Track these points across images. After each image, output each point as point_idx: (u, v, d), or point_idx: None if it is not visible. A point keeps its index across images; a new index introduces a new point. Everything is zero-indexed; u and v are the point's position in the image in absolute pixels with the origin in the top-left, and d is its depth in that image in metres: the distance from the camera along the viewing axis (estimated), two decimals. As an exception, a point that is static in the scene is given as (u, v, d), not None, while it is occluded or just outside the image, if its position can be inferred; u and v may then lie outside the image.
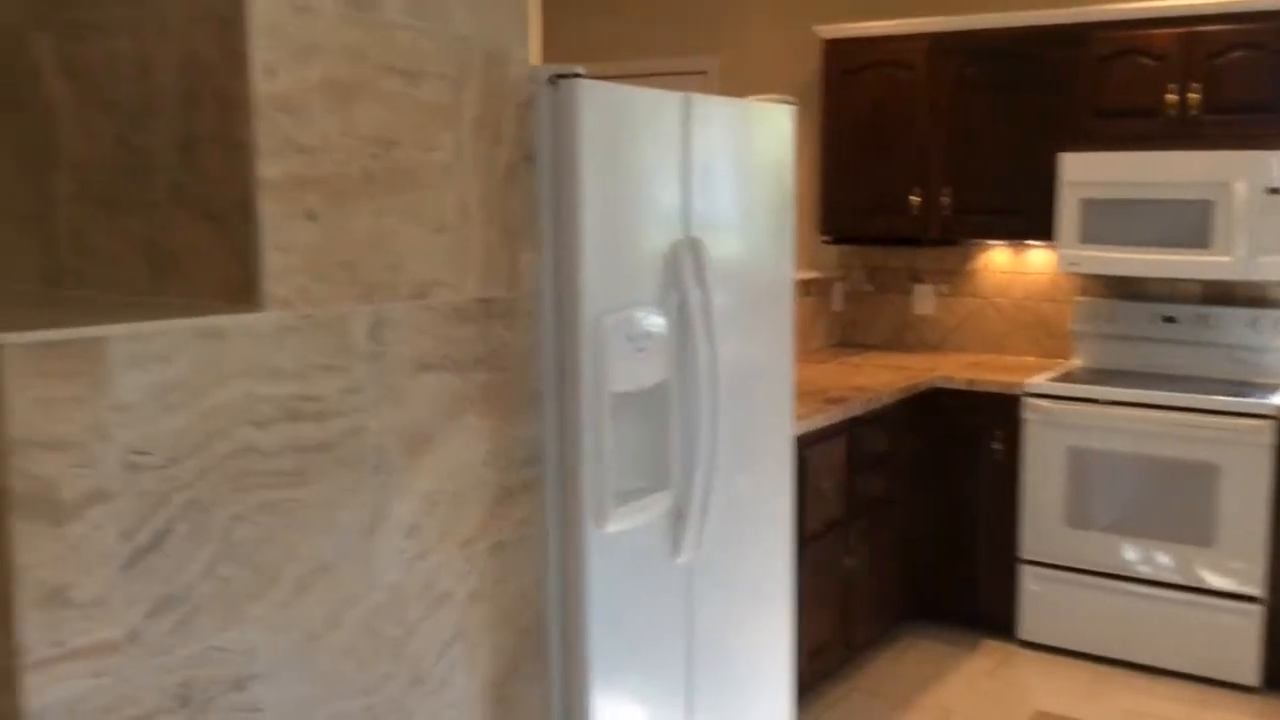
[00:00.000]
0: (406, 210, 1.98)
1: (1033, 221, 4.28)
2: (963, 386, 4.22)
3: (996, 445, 4.17)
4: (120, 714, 1.58)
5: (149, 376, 1.59)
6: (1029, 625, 4.17)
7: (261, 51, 1.70)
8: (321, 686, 1.87)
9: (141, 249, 1.86)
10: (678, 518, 2.55)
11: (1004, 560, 4.20)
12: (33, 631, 1.48)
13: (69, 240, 1.94)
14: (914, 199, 4.52)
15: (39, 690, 1.49)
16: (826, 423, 3.58)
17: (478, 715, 2.19)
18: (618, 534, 2.38)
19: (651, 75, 5.20)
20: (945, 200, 4.46)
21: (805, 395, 3.72)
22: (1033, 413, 4.08)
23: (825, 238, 4.81)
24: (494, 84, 2.14)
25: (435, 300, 2.04)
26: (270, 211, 1.74)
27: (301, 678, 1.84)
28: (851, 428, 3.76)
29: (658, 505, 2.50)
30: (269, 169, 1.73)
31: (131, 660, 1.59)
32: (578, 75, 2.21)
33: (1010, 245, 4.68)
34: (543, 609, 2.34)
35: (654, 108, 2.44)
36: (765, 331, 2.88)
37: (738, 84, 5.01)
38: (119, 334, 1.55)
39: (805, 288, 4.76)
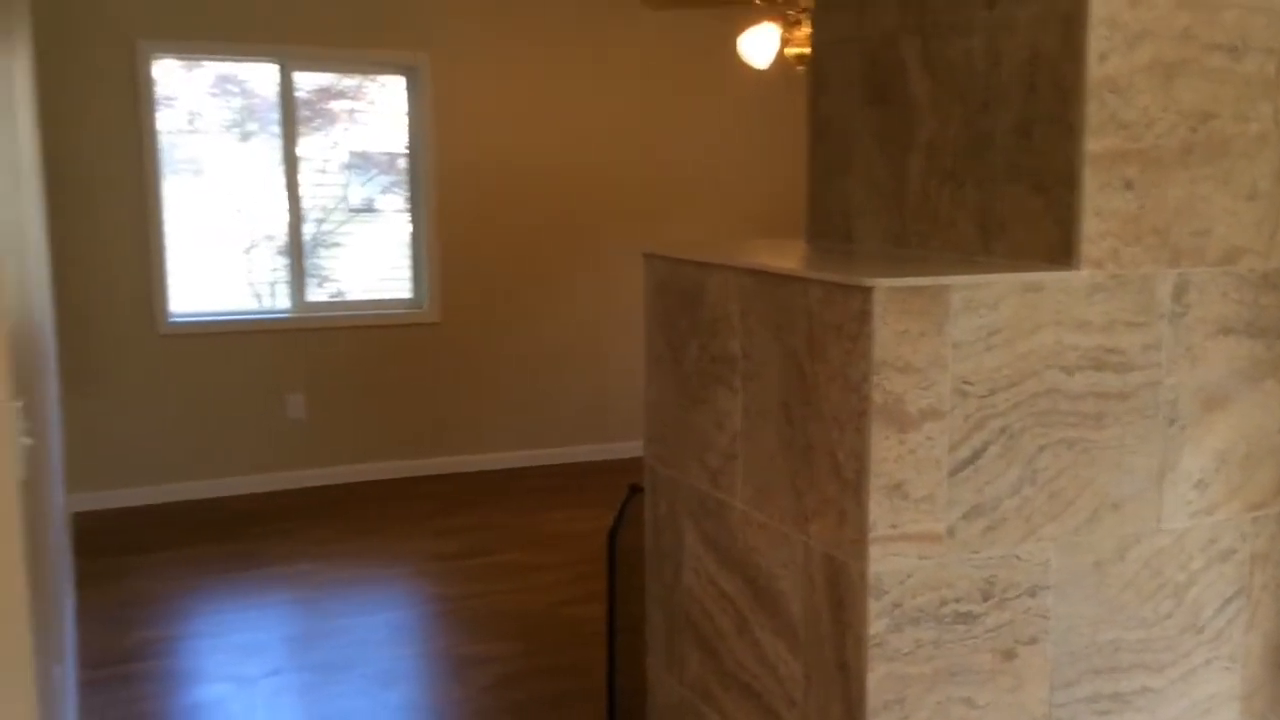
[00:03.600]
0: (1219, 179, 2.08)
1: None
2: None
3: None
4: (938, 593, 1.95)
5: (978, 320, 1.92)
6: None
7: (1098, 41, 1.93)
8: (1104, 610, 2.09)
9: (974, 216, 2.20)
10: None
11: None
12: (878, 513, 1.90)
13: (916, 208, 2.35)
14: None
15: (879, 559, 1.91)
16: None
17: (1257, 674, 2.24)
18: None
19: None
20: None
21: None
22: None
23: None
24: (1325, 52, 2.13)
25: (1241, 266, 2.12)
26: (1092, 182, 1.97)
27: (1086, 598, 2.07)
28: None
29: None
30: (1094, 144, 1.96)
31: (949, 551, 1.95)
32: None
33: None
34: (1336, 586, 2.30)
35: None
36: None
37: None
38: (959, 284, 1.89)
39: None
